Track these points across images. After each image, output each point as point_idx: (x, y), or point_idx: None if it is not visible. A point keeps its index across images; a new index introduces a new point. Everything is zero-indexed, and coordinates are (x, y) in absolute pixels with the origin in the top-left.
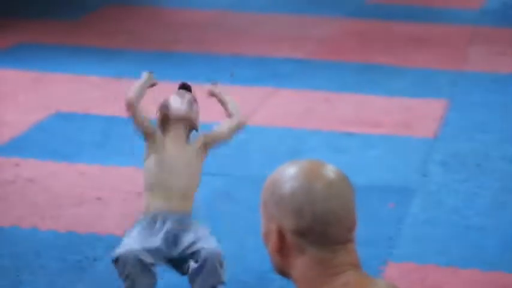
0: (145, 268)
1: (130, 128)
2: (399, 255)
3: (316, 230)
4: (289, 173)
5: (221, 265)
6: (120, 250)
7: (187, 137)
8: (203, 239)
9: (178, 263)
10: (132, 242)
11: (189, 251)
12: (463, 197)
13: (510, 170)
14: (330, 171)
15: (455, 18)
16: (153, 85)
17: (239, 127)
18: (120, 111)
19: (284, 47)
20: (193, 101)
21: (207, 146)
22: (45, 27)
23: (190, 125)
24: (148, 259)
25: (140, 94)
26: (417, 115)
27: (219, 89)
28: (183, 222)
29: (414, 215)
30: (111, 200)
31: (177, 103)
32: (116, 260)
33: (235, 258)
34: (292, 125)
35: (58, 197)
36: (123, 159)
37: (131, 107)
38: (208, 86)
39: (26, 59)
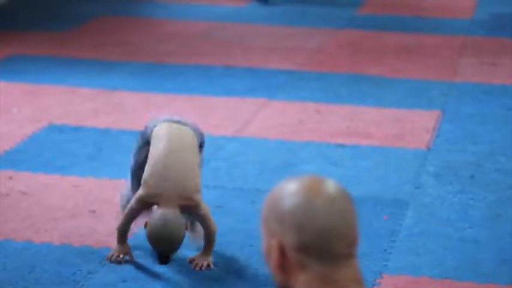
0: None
1: (123, 140)
2: (394, 268)
3: (318, 246)
4: (289, 189)
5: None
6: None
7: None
8: None
9: None
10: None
11: None
12: (457, 209)
13: (504, 182)
14: (331, 186)
15: (445, 28)
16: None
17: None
18: (113, 123)
19: (275, 58)
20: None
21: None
22: (36, 39)
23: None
24: None
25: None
26: (409, 126)
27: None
28: None
29: (408, 228)
30: (105, 213)
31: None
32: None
33: (229, 271)
34: (284, 136)
35: (52, 209)
36: (116, 171)
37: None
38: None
39: (18, 71)
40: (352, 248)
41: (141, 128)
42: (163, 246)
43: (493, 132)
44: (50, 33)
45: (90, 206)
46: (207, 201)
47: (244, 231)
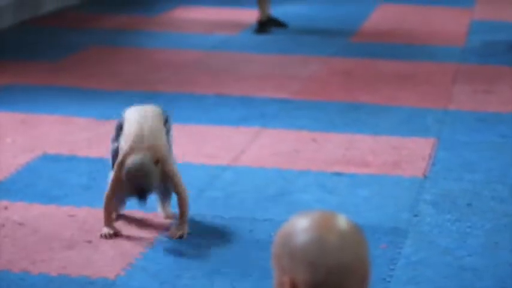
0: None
1: None
2: None
3: (330, 282)
4: (300, 225)
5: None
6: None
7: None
8: None
9: None
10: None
11: None
12: (455, 237)
13: (501, 210)
14: (342, 222)
15: (438, 56)
16: None
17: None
18: (107, 153)
19: (269, 86)
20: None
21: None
22: (29, 68)
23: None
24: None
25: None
26: (405, 154)
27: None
28: None
29: (407, 256)
30: (102, 243)
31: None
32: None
33: None
34: (280, 165)
35: (48, 240)
36: None
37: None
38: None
39: (11, 101)
40: (364, 283)
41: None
42: (140, 179)
43: (489, 160)
44: (42, 63)
45: (86, 236)
46: (204, 231)
47: (243, 261)
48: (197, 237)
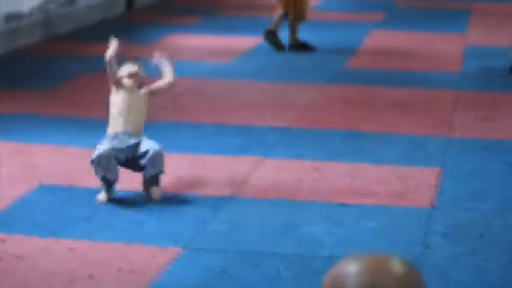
0: (113, 162)
1: (116, 201)
2: None
3: None
4: (353, 269)
5: (162, 158)
6: (96, 153)
7: (138, 88)
8: (148, 143)
9: (133, 163)
10: (103, 147)
11: (140, 151)
12: (471, 270)
13: None
14: (397, 265)
15: (436, 82)
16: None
17: (171, 84)
18: None
19: (266, 114)
20: (140, 67)
21: (152, 94)
22: (20, 97)
23: (139, 81)
24: (116, 154)
25: (114, 54)
26: (411, 184)
27: (165, 61)
28: (134, 136)
29: None
30: (104, 278)
31: (130, 67)
32: (93, 161)
33: None
34: (283, 196)
35: (48, 274)
36: (112, 234)
37: (112, 59)
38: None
39: (4, 130)
40: None
41: (132, 186)
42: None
43: (497, 189)
44: (34, 91)
45: (87, 271)
46: (209, 267)
47: None
48: (202, 272)
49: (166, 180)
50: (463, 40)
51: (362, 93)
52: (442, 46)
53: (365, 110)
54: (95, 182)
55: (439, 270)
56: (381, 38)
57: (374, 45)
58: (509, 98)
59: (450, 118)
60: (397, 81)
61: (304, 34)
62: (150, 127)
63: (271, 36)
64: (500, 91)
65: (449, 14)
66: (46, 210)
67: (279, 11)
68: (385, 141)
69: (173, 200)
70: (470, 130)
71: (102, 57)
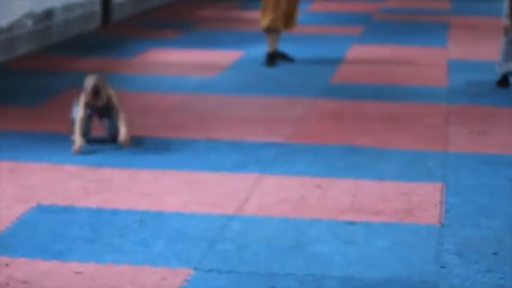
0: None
1: (119, 221)
2: None
3: None
4: None
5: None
6: (74, 115)
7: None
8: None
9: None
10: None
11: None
12: None
13: None
14: None
15: (425, 96)
16: None
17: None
18: (105, 202)
19: (259, 130)
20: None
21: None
22: (10, 114)
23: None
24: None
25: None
26: (415, 200)
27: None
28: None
29: None
30: None
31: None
32: (73, 121)
33: None
34: (288, 214)
35: None
36: (119, 256)
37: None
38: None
39: None
40: None
41: (133, 206)
42: (96, 80)
43: (503, 204)
44: (23, 108)
45: None
46: None
47: None
48: None
49: (167, 198)
50: (446, 54)
51: (352, 108)
52: (426, 60)
53: (357, 124)
54: (95, 201)
55: None
56: (363, 52)
57: (357, 59)
58: (501, 112)
59: (444, 132)
60: (384, 96)
61: (286, 47)
62: (140, 143)
63: (276, 59)
64: (491, 105)
65: (427, 27)
66: (47, 231)
67: (272, 34)
68: (383, 157)
69: (176, 218)
70: (467, 144)
71: (84, 72)
